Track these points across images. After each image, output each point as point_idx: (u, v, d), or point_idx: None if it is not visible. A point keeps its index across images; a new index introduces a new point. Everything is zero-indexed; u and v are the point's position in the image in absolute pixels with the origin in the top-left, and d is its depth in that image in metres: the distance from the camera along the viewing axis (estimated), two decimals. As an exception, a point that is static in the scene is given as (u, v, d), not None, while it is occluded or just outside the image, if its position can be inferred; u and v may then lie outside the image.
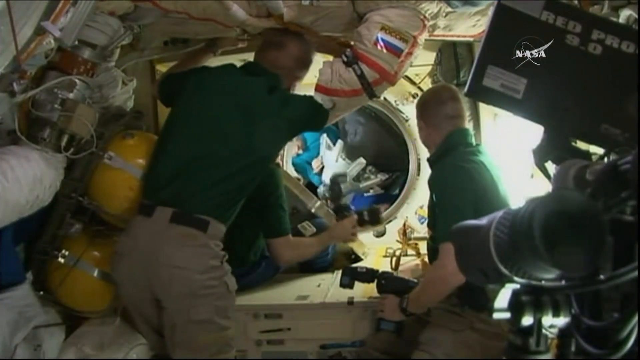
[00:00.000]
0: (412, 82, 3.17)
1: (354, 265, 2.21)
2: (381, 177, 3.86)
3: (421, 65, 2.77)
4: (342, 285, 2.18)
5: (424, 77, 3.04)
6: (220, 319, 1.85)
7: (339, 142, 3.54)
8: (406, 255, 2.87)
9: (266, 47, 2.13)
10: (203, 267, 1.80)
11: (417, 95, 3.31)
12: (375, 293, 2.42)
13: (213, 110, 1.95)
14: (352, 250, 3.09)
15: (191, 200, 1.84)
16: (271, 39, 2.12)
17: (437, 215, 1.93)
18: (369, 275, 2.13)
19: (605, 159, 0.95)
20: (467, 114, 2.21)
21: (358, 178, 3.76)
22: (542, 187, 1.80)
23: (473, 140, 2.13)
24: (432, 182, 2.04)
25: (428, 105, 2.14)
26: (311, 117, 2.10)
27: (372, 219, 2.39)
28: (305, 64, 2.20)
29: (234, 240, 2.43)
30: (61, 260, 2.26)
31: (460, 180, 1.89)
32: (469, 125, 2.28)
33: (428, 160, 2.17)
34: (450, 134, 2.06)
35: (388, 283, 2.07)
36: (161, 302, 1.85)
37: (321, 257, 2.88)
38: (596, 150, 1.00)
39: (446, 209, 1.88)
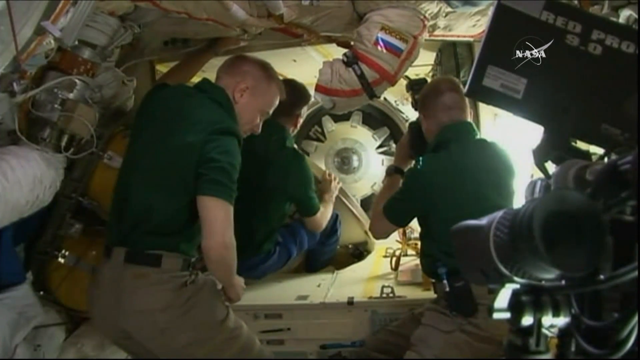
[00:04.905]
0: (412, 82, 3.17)
1: None
2: None
3: (421, 65, 2.77)
4: None
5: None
6: (206, 332, 1.83)
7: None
8: (406, 255, 2.87)
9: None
10: (163, 303, 1.77)
11: (417, 95, 3.31)
12: (375, 293, 2.42)
13: (144, 144, 1.90)
14: (357, 247, 3.12)
15: (141, 237, 1.80)
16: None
17: None
18: None
19: (605, 159, 0.94)
20: (468, 105, 2.14)
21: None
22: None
23: (472, 135, 2.08)
24: None
25: (426, 96, 2.13)
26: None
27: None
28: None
29: (255, 230, 2.59)
30: (61, 260, 2.27)
31: (410, 182, 2.04)
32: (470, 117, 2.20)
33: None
34: (443, 129, 2.04)
35: None
36: (140, 342, 1.84)
37: (328, 247, 2.97)
38: (596, 150, 1.00)
39: (398, 189, 2.11)
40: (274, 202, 2.65)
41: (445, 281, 1.89)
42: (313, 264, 3.02)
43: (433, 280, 2.06)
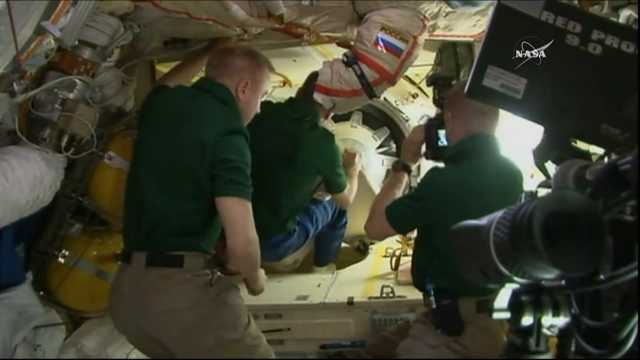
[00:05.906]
0: (412, 82, 3.18)
1: None
2: None
3: (421, 65, 2.77)
4: None
5: (424, 77, 3.04)
6: (231, 333, 1.83)
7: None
8: (406, 255, 2.87)
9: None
10: (190, 302, 1.77)
11: (417, 95, 3.32)
12: (375, 293, 2.42)
13: (154, 147, 1.88)
14: (363, 241, 3.17)
15: (161, 240, 1.80)
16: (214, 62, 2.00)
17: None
18: None
19: (605, 159, 0.95)
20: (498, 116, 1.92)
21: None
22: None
23: (495, 150, 1.91)
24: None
25: (459, 94, 1.86)
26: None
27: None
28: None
29: (281, 206, 2.63)
30: (61, 260, 2.27)
31: (426, 192, 1.90)
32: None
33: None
34: (468, 138, 1.88)
35: None
36: (165, 344, 1.84)
37: (338, 231, 3.00)
38: (596, 150, 1.00)
39: (408, 195, 2.02)
40: (302, 178, 2.67)
41: (432, 298, 1.82)
42: (323, 252, 3.03)
43: (423, 293, 2.00)
